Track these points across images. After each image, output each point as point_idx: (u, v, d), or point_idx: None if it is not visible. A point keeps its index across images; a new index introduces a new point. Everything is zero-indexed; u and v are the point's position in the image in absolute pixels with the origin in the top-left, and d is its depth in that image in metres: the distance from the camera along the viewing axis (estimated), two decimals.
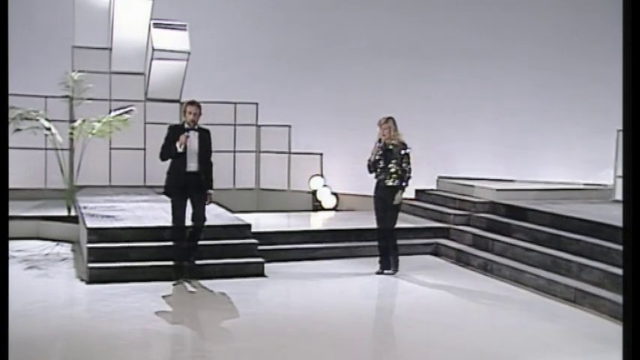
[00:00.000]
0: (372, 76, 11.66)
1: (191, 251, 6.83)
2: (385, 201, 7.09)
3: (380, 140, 7.03)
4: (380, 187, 7.13)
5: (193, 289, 6.54)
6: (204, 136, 6.72)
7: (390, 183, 7.05)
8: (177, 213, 6.66)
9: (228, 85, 11.77)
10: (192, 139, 6.62)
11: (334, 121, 11.86)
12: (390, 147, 7.01)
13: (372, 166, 7.10)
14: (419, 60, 11.37)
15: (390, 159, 7.00)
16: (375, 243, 8.34)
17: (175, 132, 6.66)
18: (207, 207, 6.79)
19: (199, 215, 6.73)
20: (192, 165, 6.62)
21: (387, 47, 11.61)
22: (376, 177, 7.14)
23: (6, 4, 2.83)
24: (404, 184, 7.08)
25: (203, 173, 6.69)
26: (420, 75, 11.38)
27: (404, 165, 7.02)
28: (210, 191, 6.78)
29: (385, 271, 7.29)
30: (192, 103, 6.75)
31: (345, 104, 11.78)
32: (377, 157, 7.03)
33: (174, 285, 6.60)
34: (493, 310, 6.26)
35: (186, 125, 6.68)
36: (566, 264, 6.83)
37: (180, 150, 6.52)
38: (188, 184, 6.60)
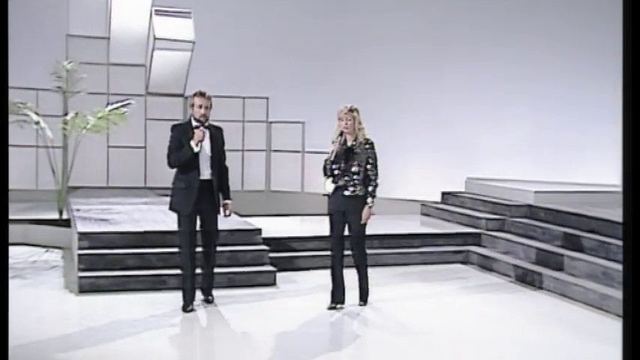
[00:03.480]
0: (392, 70, 11.33)
1: (208, 283, 6.03)
2: (344, 214, 5.87)
3: (342, 134, 5.88)
4: (337, 195, 5.87)
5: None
6: (217, 136, 5.88)
7: (350, 191, 5.83)
8: (188, 233, 5.81)
9: (237, 77, 11.51)
10: (204, 140, 5.76)
11: None
12: (353, 145, 5.84)
13: (329, 168, 5.86)
14: (444, 51, 11.02)
15: (352, 160, 5.82)
16: (403, 250, 8.13)
17: (183, 131, 5.75)
18: (226, 218, 6.08)
19: (211, 229, 5.92)
20: (206, 171, 5.76)
21: (410, 38, 11.28)
22: (333, 181, 5.89)
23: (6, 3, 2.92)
24: (370, 192, 5.83)
25: (216, 181, 5.83)
26: (445, 67, 11.03)
27: (369, 168, 5.83)
28: (228, 201, 5.97)
29: (339, 305, 6.01)
30: (202, 94, 5.79)
31: (363, 99, 11.13)
32: (335, 157, 5.83)
33: (185, 312, 5.86)
34: (538, 329, 5.75)
35: (194, 122, 5.76)
36: (620, 276, 6.29)
37: (196, 149, 5.66)
38: (201, 196, 5.75)
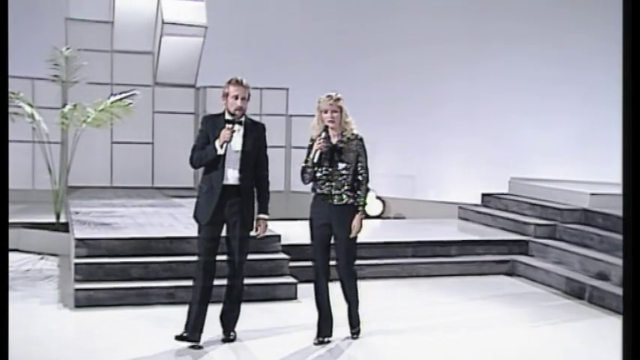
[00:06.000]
0: (425, 57, 11.29)
1: (228, 318, 5.45)
2: (331, 227, 5.28)
3: (326, 130, 5.24)
4: (321, 204, 5.30)
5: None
6: (255, 134, 5.25)
7: (339, 200, 5.24)
8: (205, 244, 5.26)
9: (253, 66, 11.24)
10: (235, 137, 5.14)
11: (380, 111, 11.56)
12: (339, 142, 5.24)
13: (310, 173, 5.27)
14: (482, 35, 10.94)
15: (339, 161, 5.23)
16: (438, 259, 7.97)
17: (213, 126, 5.21)
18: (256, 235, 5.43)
19: (235, 252, 5.27)
20: (232, 175, 5.19)
21: (444, 23, 11.14)
22: (314, 189, 5.33)
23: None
24: (359, 200, 5.24)
25: (249, 189, 5.28)
26: (483, 53, 10.94)
27: (359, 170, 5.26)
28: (264, 216, 5.35)
29: (326, 339, 5.40)
30: (238, 82, 5.17)
31: (392, 91, 11.50)
32: (317, 159, 5.20)
33: (178, 338, 5.28)
34: (600, 357, 5.37)
35: (227, 116, 5.20)
36: None
37: (220, 151, 5.12)
38: (223, 204, 5.21)
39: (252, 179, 5.27)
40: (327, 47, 11.70)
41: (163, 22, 10.80)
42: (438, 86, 11.08)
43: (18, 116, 8.14)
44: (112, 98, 8.82)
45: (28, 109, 8.35)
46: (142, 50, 11.23)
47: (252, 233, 5.35)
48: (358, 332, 5.48)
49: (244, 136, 5.21)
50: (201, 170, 5.40)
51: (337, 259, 5.36)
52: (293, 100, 11.73)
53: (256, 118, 12.24)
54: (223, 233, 5.31)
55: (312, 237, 5.43)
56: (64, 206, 8.85)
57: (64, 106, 9.11)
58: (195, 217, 5.33)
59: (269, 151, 10.56)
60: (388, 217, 11.40)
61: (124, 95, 8.78)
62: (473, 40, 10.93)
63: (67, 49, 8.98)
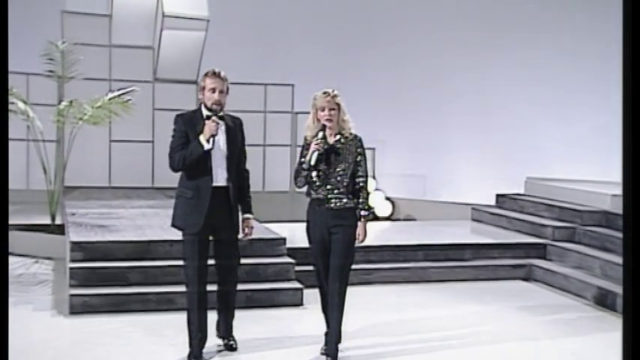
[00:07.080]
0: (436, 53, 11.28)
1: (225, 325, 5.36)
2: (329, 231, 5.07)
3: (324, 129, 5.00)
4: (317, 209, 5.09)
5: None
6: (235, 129, 5.13)
7: (337, 203, 5.03)
8: (196, 250, 5.03)
9: (257, 61, 11.48)
10: (218, 134, 4.99)
11: (389, 108, 11.62)
12: (336, 142, 5.04)
13: (305, 175, 5.06)
14: (498, 33, 10.91)
15: (336, 162, 5.04)
16: (451, 264, 7.89)
17: (191, 123, 5.02)
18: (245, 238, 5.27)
19: (228, 257, 5.16)
20: (221, 176, 5.02)
21: (457, 16, 11.19)
22: (309, 194, 5.14)
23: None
24: (362, 206, 5.06)
25: (236, 189, 5.10)
26: (498, 52, 10.93)
27: (359, 174, 5.06)
28: (249, 216, 5.26)
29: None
30: (215, 74, 5.02)
31: (402, 88, 11.48)
32: (314, 160, 4.97)
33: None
34: None
35: (204, 111, 5.04)
36: None
37: (207, 146, 4.91)
38: (214, 208, 4.99)
39: (237, 178, 5.14)
40: (334, 42, 11.71)
41: (164, 15, 10.77)
42: (450, 83, 11.10)
43: (11, 113, 8.10)
44: (110, 95, 8.79)
45: (21, 105, 8.32)
46: (141, 45, 11.20)
47: (239, 236, 5.22)
48: (336, 357, 5.14)
49: (227, 133, 5.06)
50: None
51: (332, 261, 5.12)
52: (299, 96, 11.64)
53: (260, 116, 12.28)
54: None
55: (311, 241, 5.27)
56: (59, 207, 8.83)
57: (59, 102, 9.09)
58: (176, 225, 5.10)
59: (273, 150, 10.50)
60: (398, 219, 11.37)
61: (122, 92, 8.76)
62: (486, 38, 10.92)
63: (63, 43, 8.94)
